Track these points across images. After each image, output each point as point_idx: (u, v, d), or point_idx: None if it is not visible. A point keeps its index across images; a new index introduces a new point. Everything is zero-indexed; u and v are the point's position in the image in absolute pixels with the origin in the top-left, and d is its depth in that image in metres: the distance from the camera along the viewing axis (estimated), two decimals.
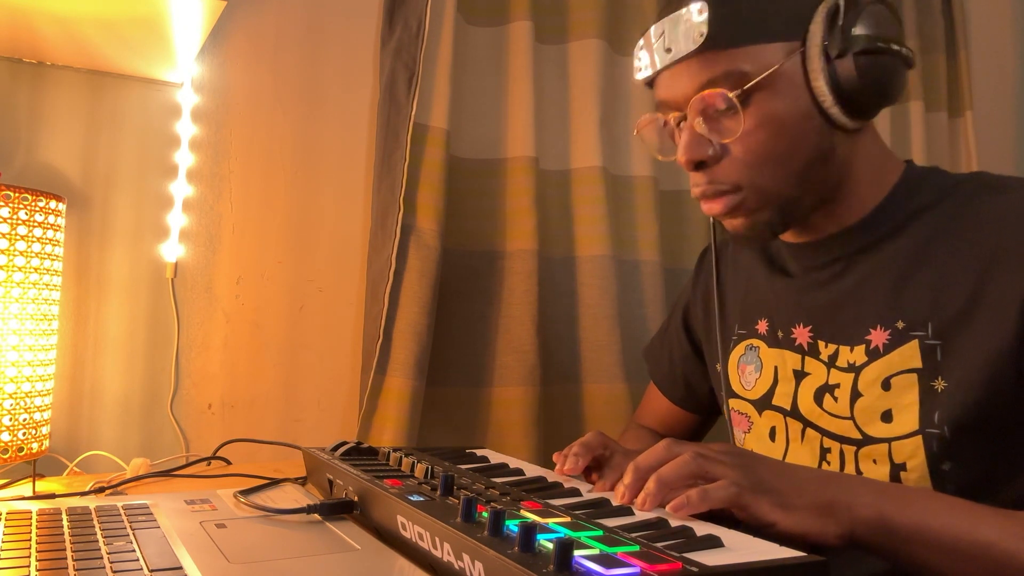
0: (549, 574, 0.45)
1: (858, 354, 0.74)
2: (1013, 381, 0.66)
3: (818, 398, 0.77)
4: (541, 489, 0.70)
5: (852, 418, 0.74)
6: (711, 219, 0.90)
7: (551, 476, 0.76)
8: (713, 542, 0.52)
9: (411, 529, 0.60)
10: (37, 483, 0.90)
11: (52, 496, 0.84)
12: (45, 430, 0.95)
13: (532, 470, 0.80)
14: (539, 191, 1.31)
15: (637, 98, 1.41)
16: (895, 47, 0.69)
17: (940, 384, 0.69)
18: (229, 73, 1.26)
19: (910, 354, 0.71)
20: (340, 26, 1.33)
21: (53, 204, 0.95)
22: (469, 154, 1.32)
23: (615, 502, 0.64)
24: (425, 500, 0.62)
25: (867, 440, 0.73)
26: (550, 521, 0.57)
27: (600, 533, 0.54)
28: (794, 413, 0.80)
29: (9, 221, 0.90)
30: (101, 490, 0.87)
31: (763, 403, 0.84)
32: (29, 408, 0.92)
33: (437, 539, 0.55)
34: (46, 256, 0.94)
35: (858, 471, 0.74)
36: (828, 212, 0.77)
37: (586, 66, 1.36)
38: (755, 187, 0.72)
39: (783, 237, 0.82)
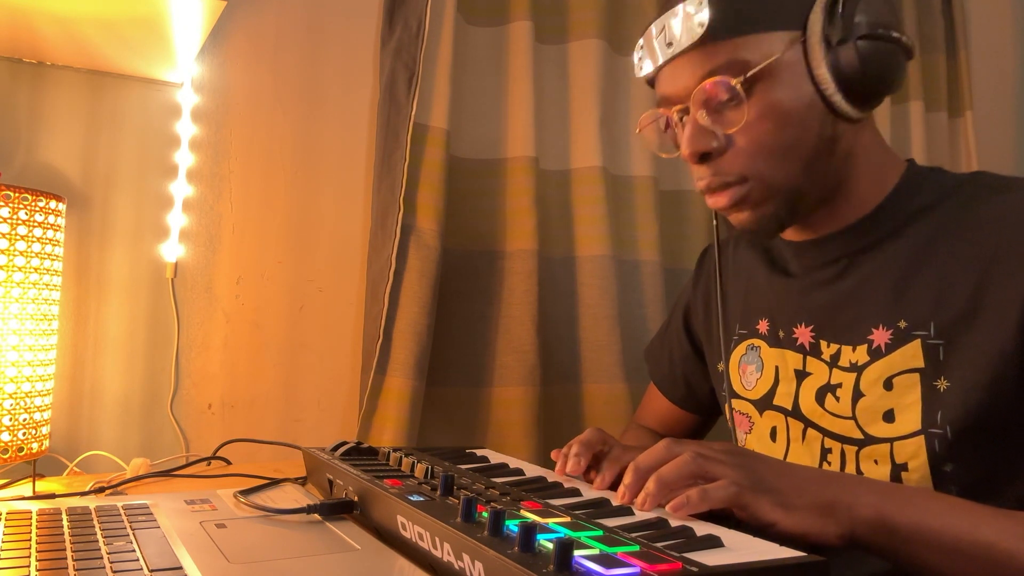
0: (549, 574, 0.45)
1: (860, 354, 0.74)
2: (1015, 382, 0.66)
3: (819, 398, 0.77)
4: (541, 489, 0.70)
5: (854, 418, 0.74)
6: (713, 218, 0.90)
7: (551, 476, 0.76)
8: (713, 542, 0.52)
9: (411, 529, 0.60)
10: (37, 483, 0.90)
11: (52, 496, 0.84)
12: (45, 430, 0.95)
13: (532, 470, 0.80)
14: (539, 191, 1.31)
15: (637, 98, 1.41)
16: (895, 35, 0.69)
17: (943, 384, 0.69)
18: (229, 73, 1.26)
19: (912, 354, 0.71)
20: (340, 26, 1.33)
21: (53, 204, 0.95)
22: (469, 154, 1.32)
23: (615, 502, 0.64)
24: (425, 500, 0.62)
25: (869, 440, 0.73)
26: (550, 521, 0.57)
27: (600, 533, 0.54)
28: (795, 413, 0.80)
29: (9, 221, 0.90)
30: (101, 490, 0.87)
31: (764, 403, 0.84)
32: (29, 408, 0.92)
33: (437, 539, 0.55)
34: (46, 256, 0.94)
35: (859, 471, 0.74)
36: (830, 209, 0.77)
37: (586, 66, 1.36)
38: (760, 178, 0.72)
39: (784, 235, 0.82)
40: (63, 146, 1.16)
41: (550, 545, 0.49)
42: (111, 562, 0.58)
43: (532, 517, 0.58)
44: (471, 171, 1.32)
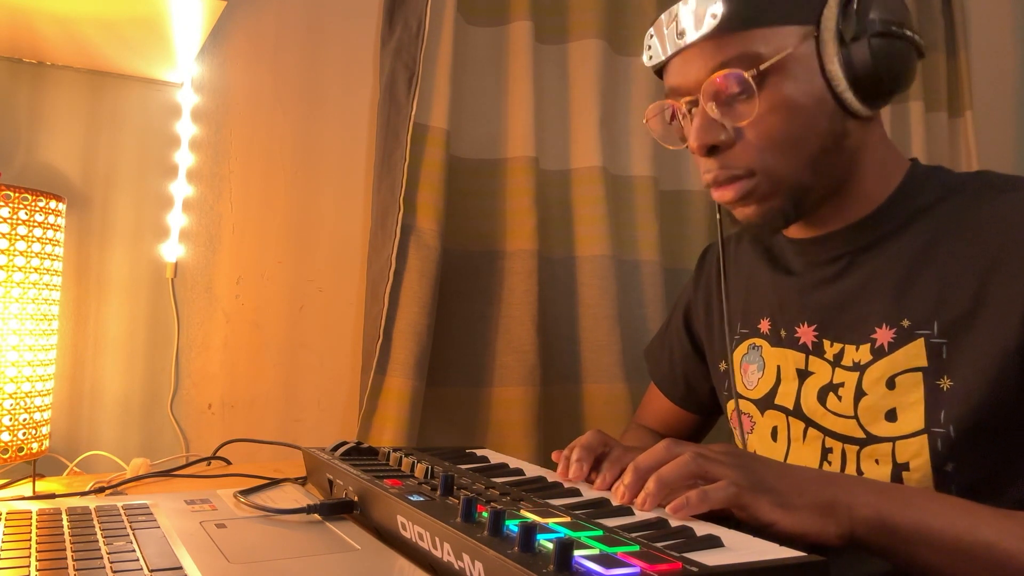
0: (549, 574, 0.45)
1: (863, 353, 0.74)
2: (1017, 381, 0.66)
3: (821, 397, 0.77)
4: (541, 489, 0.70)
5: (856, 417, 0.74)
6: (717, 216, 0.89)
7: (551, 476, 0.76)
8: (713, 542, 0.52)
9: (411, 529, 0.60)
10: (37, 483, 0.90)
11: (52, 496, 0.84)
12: (45, 430, 0.95)
13: (532, 470, 0.79)
14: (539, 191, 1.31)
15: (637, 98, 1.41)
16: (909, 33, 0.69)
17: (946, 383, 0.69)
18: (229, 73, 1.26)
19: (915, 353, 0.71)
20: (340, 26, 1.33)
21: (53, 204, 0.95)
22: (469, 154, 1.32)
23: (615, 502, 0.64)
24: (425, 500, 0.62)
25: (870, 439, 0.73)
26: (550, 521, 0.57)
27: (600, 533, 0.54)
28: (796, 413, 0.80)
29: (9, 221, 0.90)
30: (101, 490, 0.87)
31: (765, 403, 0.84)
32: (29, 408, 0.92)
33: (437, 539, 0.55)
34: (46, 256, 0.94)
35: (859, 471, 0.73)
36: (835, 206, 0.76)
37: (586, 66, 1.36)
38: (768, 172, 0.72)
39: (787, 233, 0.82)
40: (63, 146, 1.16)
41: (550, 545, 0.49)
42: (111, 562, 0.58)
43: (532, 517, 0.58)
44: (471, 171, 1.32)
